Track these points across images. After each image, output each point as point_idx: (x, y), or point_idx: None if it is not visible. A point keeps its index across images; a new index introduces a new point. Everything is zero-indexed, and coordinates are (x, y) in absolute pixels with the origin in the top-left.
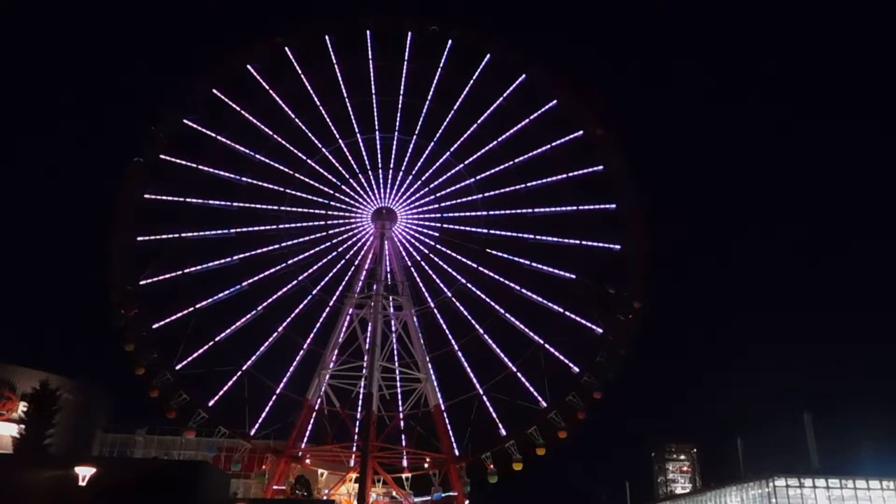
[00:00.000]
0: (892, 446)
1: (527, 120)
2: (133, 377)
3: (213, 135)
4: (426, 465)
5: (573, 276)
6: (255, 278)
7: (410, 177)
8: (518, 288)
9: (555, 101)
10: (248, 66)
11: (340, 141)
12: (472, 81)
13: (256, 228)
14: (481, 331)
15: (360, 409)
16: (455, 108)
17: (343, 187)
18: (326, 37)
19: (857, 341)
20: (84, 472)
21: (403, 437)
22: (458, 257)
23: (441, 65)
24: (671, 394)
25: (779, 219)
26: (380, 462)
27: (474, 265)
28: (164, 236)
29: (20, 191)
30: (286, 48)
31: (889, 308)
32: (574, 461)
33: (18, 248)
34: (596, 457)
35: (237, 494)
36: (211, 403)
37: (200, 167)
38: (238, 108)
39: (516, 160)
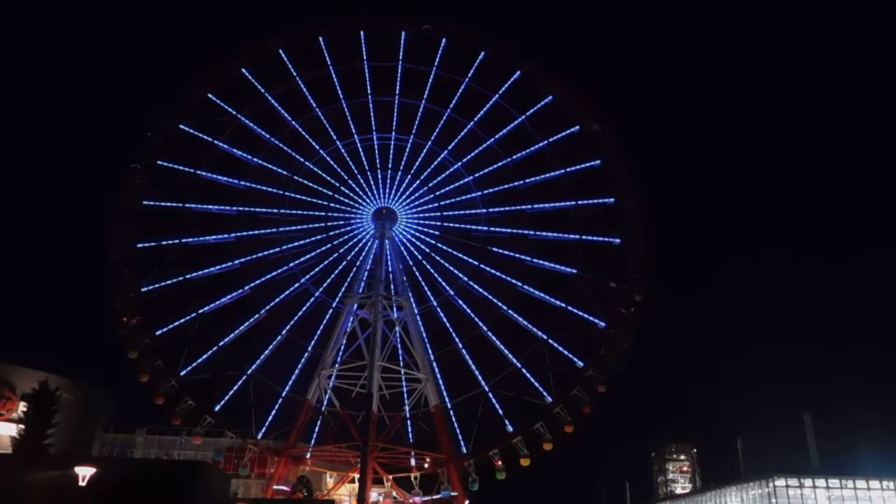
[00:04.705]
0: (892, 446)
1: (523, 116)
2: (133, 378)
3: (210, 139)
4: (426, 465)
5: (574, 271)
6: (257, 282)
7: (409, 177)
8: (520, 284)
9: (551, 97)
10: (243, 70)
11: (338, 143)
12: (467, 79)
13: (257, 232)
14: (484, 328)
15: (363, 408)
16: (451, 106)
17: (342, 189)
18: (320, 38)
19: (856, 342)
20: (84, 472)
21: (410, 435)
22: (459, 255)
23: (436, 64)
24: (671, 394)
25: (781, 218)
26: (380, 462)
27: (475, 263)
28: (164, 242)
29: (20, 193)
30: (280, 51)
31: (889, 308)
32: (575, 461)
33: (18, 249)
34: (596, 457)
35: (237, 494)
36: (217, 408)
37: (198, 172)
38: (234, 112)
39: (514, 157)
